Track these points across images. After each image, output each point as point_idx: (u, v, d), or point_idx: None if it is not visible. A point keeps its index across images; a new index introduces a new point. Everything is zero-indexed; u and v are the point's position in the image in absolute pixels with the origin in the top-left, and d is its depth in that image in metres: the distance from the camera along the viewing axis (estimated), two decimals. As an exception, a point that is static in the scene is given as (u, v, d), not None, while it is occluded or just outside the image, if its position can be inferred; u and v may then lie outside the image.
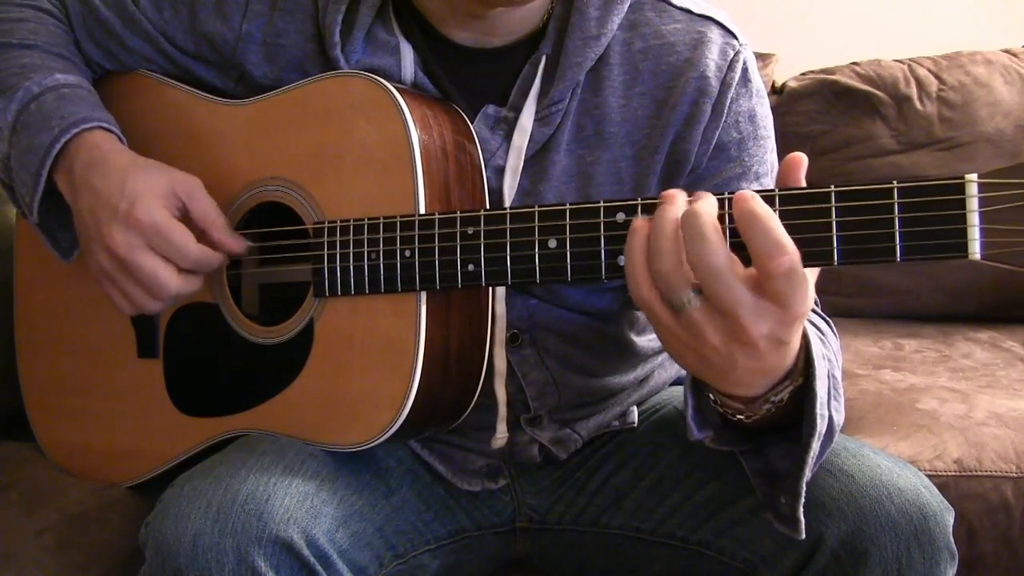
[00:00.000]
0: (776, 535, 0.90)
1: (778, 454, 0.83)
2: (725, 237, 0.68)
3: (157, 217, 0.91)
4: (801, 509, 0.78)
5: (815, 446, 0.78)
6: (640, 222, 0.71)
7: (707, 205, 0.69)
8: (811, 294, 0.69)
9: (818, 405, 0.77)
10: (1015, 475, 1.30)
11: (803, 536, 0.79)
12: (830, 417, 0.80)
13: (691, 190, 0.96)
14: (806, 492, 0.81)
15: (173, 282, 0.92)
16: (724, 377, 0.74)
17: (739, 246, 0.68)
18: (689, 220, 0.68)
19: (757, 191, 0.73)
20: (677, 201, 0.71)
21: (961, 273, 1.86)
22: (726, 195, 0.71)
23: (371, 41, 0.97)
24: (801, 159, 0.73)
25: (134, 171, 0.93)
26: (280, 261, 0.98)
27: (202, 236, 0.94)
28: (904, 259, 0.67)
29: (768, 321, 0.68)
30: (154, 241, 0.91)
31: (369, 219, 0.89)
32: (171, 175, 0.95)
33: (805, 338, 0.75)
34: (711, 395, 0.80)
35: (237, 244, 0.96)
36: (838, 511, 0.85)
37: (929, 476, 0.92)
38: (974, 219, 0.64)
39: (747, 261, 0.68)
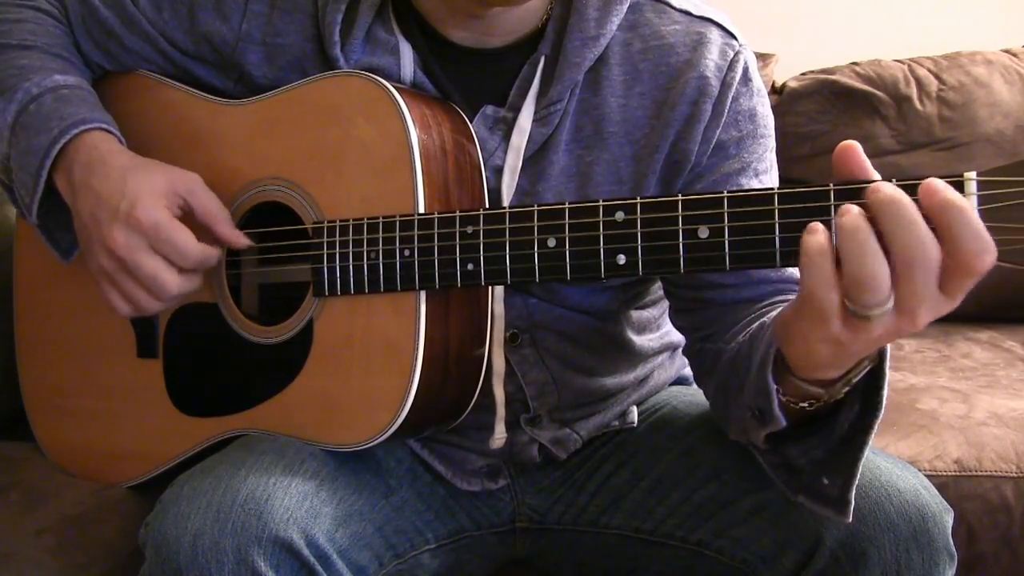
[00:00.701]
0: (776, 535, 0.90)
1: (796, 452, 0.82)
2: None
3: (158, 217, 0.91)
4: (853, 491, 0.77)
5: (877, 426, 0.76)
6: (818, 224, 0.64)
7: (898, 191, 0.62)
8: None
9: (886, 388, 0.75)
10: (1015, 475, 1.30)
11: (849, 519, 0.78)
12: None
13: (690, 187, 0.96)
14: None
15: (174, 282, 0.92)
16: (836, 366, 0.71)
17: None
18: (894, 210, 0.61)
19: (757, 190, 0.74)
20: (857, 206, 0.63)
21: (961, 273, 1.86)
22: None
23: (370, 41, 0.97)
24: (854, 147, 0.67)
25: (134, 171, 0.93)
26: (280, 261, 0.98)
27: (203, 233, 0.94)
28: (904, 258, 0.67)
29: (934, 314, 0.63)
30: (155, 242, 0.91)
31: (368, 219, 0.89)
32: (170, 173, 0.95)
33: None
34: (771, 377, 0.76)
35: (239, 239, 0.96)
36: (838, 512, 0.85)
37: (929, 476, 0.92)
38: (974, 218, 0.64)
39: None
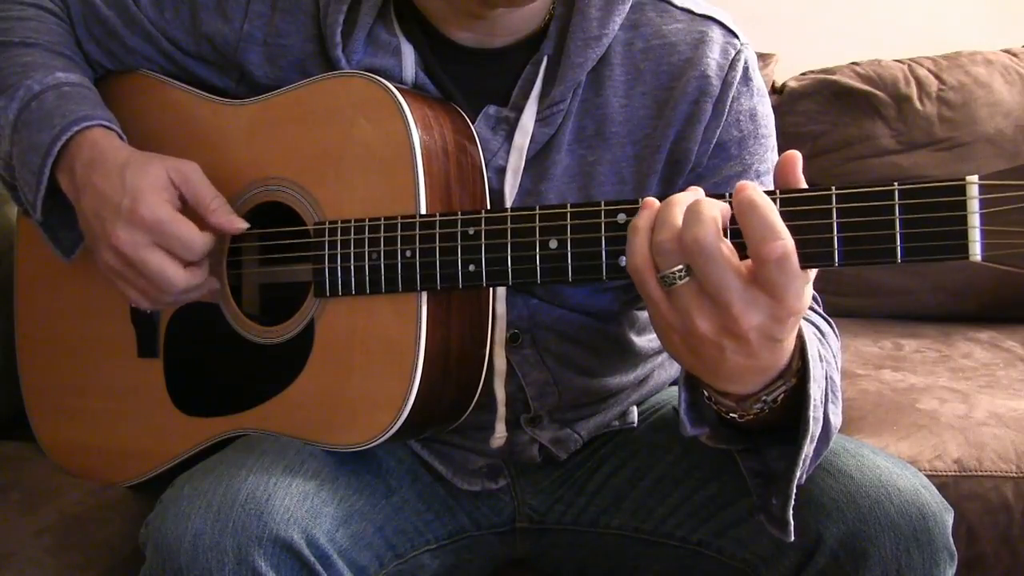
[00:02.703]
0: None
1: (774, 455, 0.82)
2: (725, 234, 0.68)
3: (160, 213, 0.91)
4: (791, 512, 0.78)
5: (807, 449, 0.77)
6: (652, 200, 0.72)
7: (712, 201, 0.69)
8: (808, 292, 0.68)
9: (811, 408, 0.76)
10: (1015, 475, 1.30)
11: (791, 539, 0.78)
12: (826, 420, 0.80)
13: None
14: (805, 492, 0.81)
15: (180, 276, 0.92)
16: (715, 371, 0.73)
17: (740, 246, 0.68)
18: (692, 205, 0.68)
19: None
20: (691, 194, 0.72)
21: (961, 273, 1.86)
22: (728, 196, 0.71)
23: (372, 41, 0.97)
24: (795, 157, 0.73)
25: (132, 167, 0.93)
26: (281, 261, 0.98)
27: (203, 222, 0.94)
28: (905, 260, 0.67)
29: (760, 313, 0.67)
30: (159, 237, 0.91)
31: (370, 219, 0.89)
32: (167, 164, 0.94)
33: (801, 339, 0.75)
34: (705, 392, 0.79)
35: (232, 224, 0.94)
36: (837, 511, 0.85)
37: (929, 476, 0.92)
38: (975, 220, 0.64)
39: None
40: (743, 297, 0.67)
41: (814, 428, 0.77)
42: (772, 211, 0.66)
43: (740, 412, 0.77)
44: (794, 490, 0.78)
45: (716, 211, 0.68)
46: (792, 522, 0.78)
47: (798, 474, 0.77)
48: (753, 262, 0.66)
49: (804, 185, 0.72)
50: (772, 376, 0.74)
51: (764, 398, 0.75)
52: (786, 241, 0.65)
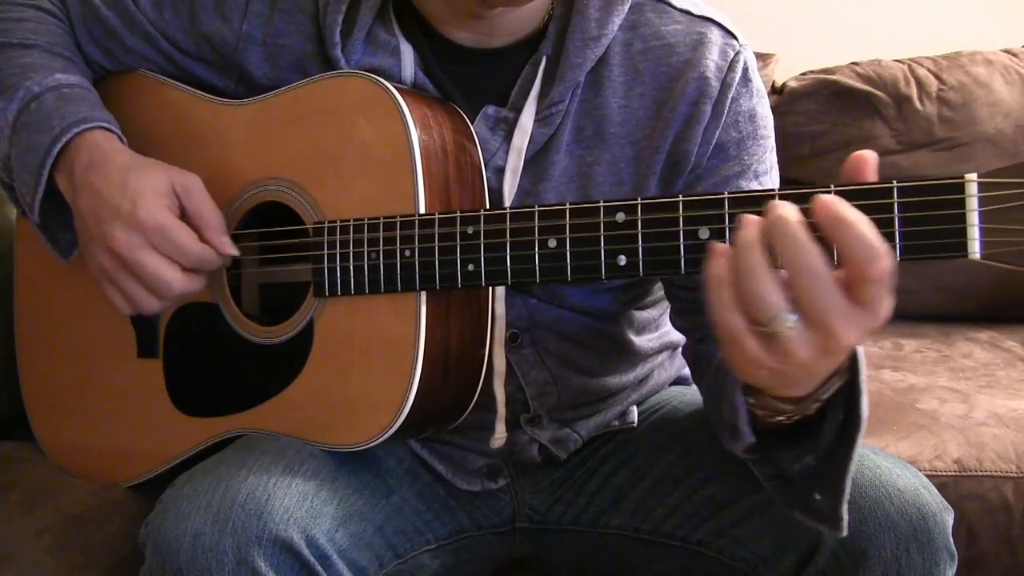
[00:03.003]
0: (776, 535, 0.90)
1: (786, 457, 0.82)
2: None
3: (160, 217, 0.91)
4: (844, 507, 0.77)
5: (860, 441, 0.76)
6: (720, 246, 0.66)
7: (789, 208, 0.63)
8: (891, 303, 0.65)
9: (863, 402, 0.75)
10: (1015, 475, 1.30)
11: (845, 533, 0.77)
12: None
13: (690, 189, 0.96)
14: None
15: (177, 281, 0.92)
16: (793, 386, 0.71)
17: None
18: (779, 226, 0.63)
19: (758, 191, 0.73)
20: (753, 220, 0.65)
21: (961, 273, 1.86)
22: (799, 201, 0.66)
23: (371, 41, 0.97)
24: (868, 156, 0.68)
25: (135, 170, 0.93)
26: (280, 261, 0.98)
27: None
28: (904, 259, 0.67)
29: (858, 329, 0.64)
30: (156, 241, 0.91)
31: (369, 219, 0.89)
32: (170, 173, 0.95)
33: None
34: (751, 399, 0.77)
35: (225, 248, 0.94)
36: (838, 511, 0.85)
37: (929, 476, 0.92)
38: (974, 219, 0.64)
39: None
40: (846, 317, 0.63)
41: (864, 422, 0.76)
42: (867, 225, 0.61)
43: (795, 414, 0.76)
44: (848, 485, 0.77)
45: (802, 221, 0.63)
46: (847, 516, 0.77)
47: (852, 468, 0.76)
48: (855, 281, 0.62)
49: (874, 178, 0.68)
50: (831, 374, 0.73)
51: (821, 396, 0.74)
52: (888, 257, 0.61)
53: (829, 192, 0.69)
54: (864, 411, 0.75)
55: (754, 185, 0.96)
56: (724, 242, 0.74)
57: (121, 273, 0.92)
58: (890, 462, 0.90)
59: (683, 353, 1.07)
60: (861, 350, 0.75)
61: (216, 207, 0.95)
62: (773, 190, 0.72)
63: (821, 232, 0.62)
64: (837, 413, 0.76)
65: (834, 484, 0.77)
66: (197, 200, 0.94)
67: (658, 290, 1.08)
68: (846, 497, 0.77)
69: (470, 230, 0.85)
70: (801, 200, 0.70)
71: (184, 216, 0.94)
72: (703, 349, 0.96)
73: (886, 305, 0.63)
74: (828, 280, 0.62)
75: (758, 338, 0.65)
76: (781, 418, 0.77)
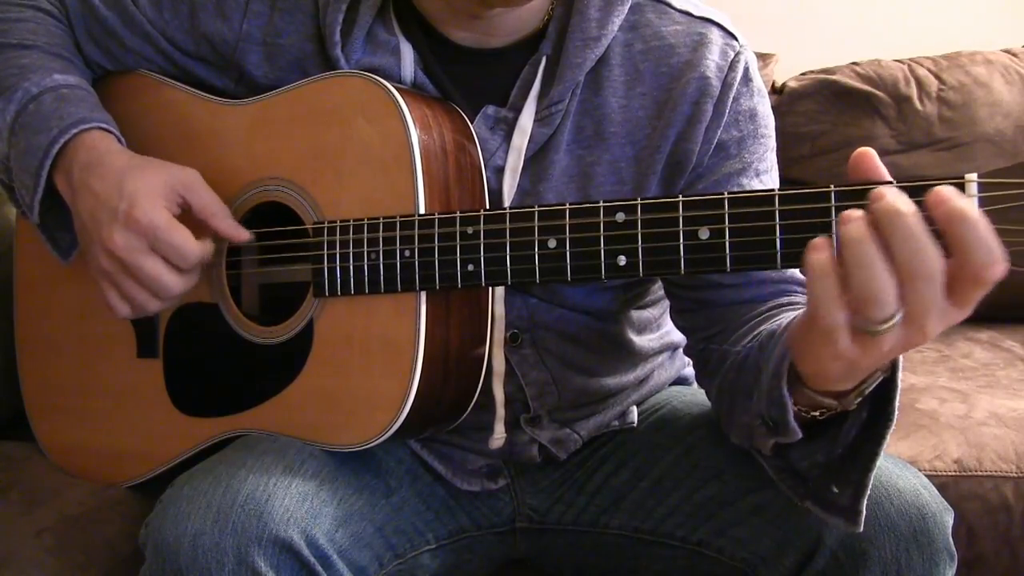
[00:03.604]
0: (776, 535, 0.90)
1: (797, 455, 0.82)
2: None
3: (156, 218, 0.91)
4: (864, 501, 0.77)
5: (889, 437, 0.76)
6: (822, 239, 0.62)
7: (903, 201, 0.60)
8: None
9: (898, 398, 0.75)
10: (1015, 475, 1.30)
11: (861, 528, 0.77)
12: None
13: (691, 187, 0.96)
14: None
15: (175, 282, 0.92)
16: (853, 380, 0.70)
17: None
18: (895, 220, 0.59)
19: (758, 191, 0.73)
20: (860, 214, 0.61)
21: (961, 273, 1.86)
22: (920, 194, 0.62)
23: (371, 41, 0.97)
24: (868, 153, 0.67)
25: (132, 171, 0.93)
26: (280, 261, 0.98)
27: (203, 230, 0.94)
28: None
29: (943, 324, 0.62)
30: (154, 242, 0.91)
31: (369, 219, 0.89)
32: (168, 171, 0.95)
33: None
34: (786, 390, 0.75)
35: (239, 234, 0.96)
36: (838, 512, 0.85)
37: (929, 476, 0.92)
38: (974, 219, 0.64)
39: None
40: (941, 315, 0.61)
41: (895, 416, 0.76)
42: (989, 228, 0.58)
43: (840, 407, 0.75)
44: (871, 480, 0.76)
45: (922, 225, 0.59)
46: (864, 512, 0.77)
47: (877, 464, 0.76)
48: (965, 282, 0.59)
49: (886, 176, 0.67)
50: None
51: (865, 390, 0.73)
52: (1004, 261, 0.59)
53: (829, 192, 0.69)
54: (896, 408, 0.75)
55: (755, 183, 0.96)
56: (724, 242, 0.74)
57: (120, 275, 0.92)
58: (890, 462, 0.90)
59: (686, 352, 1.07)
60: None
61: (218, 197, 0.95)
62: (773, 190, 0.72)
63: (937, 227, 0.59)
64: (861, 410, 0.76)
65: (856, 478, 0.77)
66: (200, 193, 0.95)
67: (658, 289, 1.08)
68: (867, 492, 0.77)
69: (470, 230, 0.85)
70: (802, 200, 0.70)
71: (188, 212, 0.94)
72: (713, 348, 0.96)
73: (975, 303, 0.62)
74: (941, 283, 0.60)
75: (854, 335, 0.63)
76: (815, 413, 0.77)
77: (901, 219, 0.59)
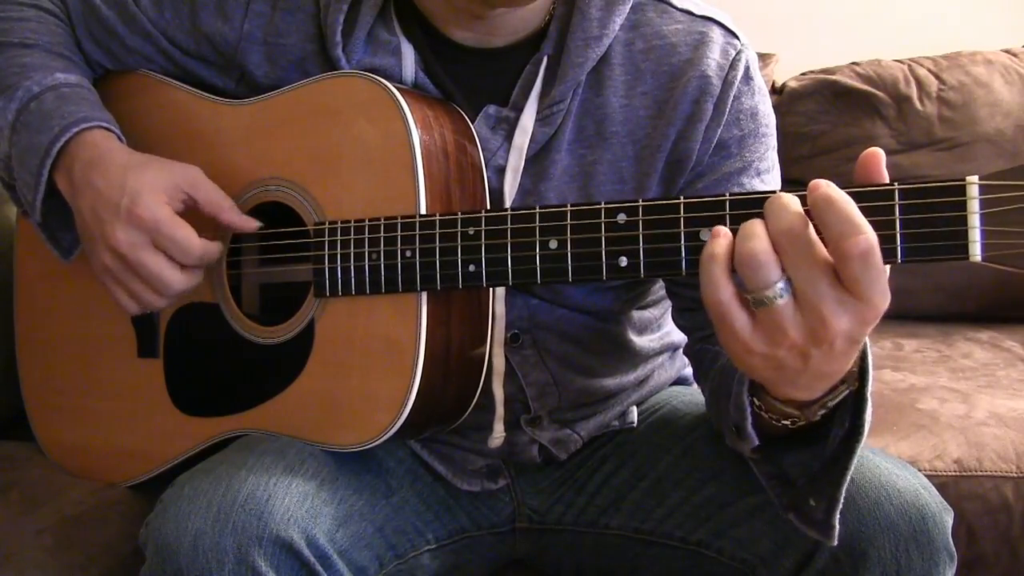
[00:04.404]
0: (775, 536, 0.90)
1: (791, 461, 0.82)
2: None
3: (159, 214, 0.91)
4: (837, 516, 0.77)
5: (859, 452, 0.76)
6: (722, 229, 0.69)
7: (788, 196, 0.66)
8: (887, 294, 0.65)
9: (868, 412, 0.75)
10: (1015, 475, 1.30)
11: (836, 542, 0.77)
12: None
13: (692, 186, 0.96)
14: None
15: (178, 279, 0.92)
16: (792, 382, 0.71)
17: None
18: (769, 203, 0.66)
19: (759, 193, 0.73)
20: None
21: (961, 273, 1.86)
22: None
23: (372, 41, 0.97)
24: (878, 154, 0.69)
25: (134, 168, 0.93)
26: (281, 261, 0.98)
27: (206, 227, 0.94)
28: (905, 260, 0.67)
29: (848, 316, 0.64)
30: (157, 238, 0.91)
31: (370, 220, 0.89)
32: (171, 169, 0.95)
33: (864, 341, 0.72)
34: (756, 401, 0.77)
35: (248, 224, 0.96)
36: (838, 512, 0.85)
37: (929, 476, 0.92)
38: (975, 221, 0.64)
39: None
40: (834, 299, 0.64)
41: (866, 431, 0.76)
42: (850, 205, 0.63)
43: (801, 419, 0.76)
44: (843, 494, 0.76)
45: (797, 203, 0.65)
46: (838, 526, 0.77)
47: (848, 478, 0.76)
48: (836, 261, 0.63)
49: (885, 179, 0.69)
50: (839, 380, 0.73)
51: (829, 403, 0.74)
52: (868, 235, 0.62)
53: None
54: (867, 422, 0.75)
55: (756, 182, 0.96)
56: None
57: (124, 272, 0.92)
58: (890, 463, 0.90)
59: (685, 352, 1.07)
60: (871, 361, 0.74)
61: (223, 192, 0.96)
62: (774, 192, 0.71)
63: (812, 216, 0.64)
64: (844, 422, 0.76)
65: (829, 492, 0.77)
66: (205, 189, 0.95)
67: (659, 290, 1.08)
68: (839, 506, 0.77)
69: (471, 231, 0.85)
70: (803, 202, 0.70)
71: (191, 211, 0.94)
72: (706, 348, 0.96)
73: (877, 291, 0.63)
74: (817, 254, 0.63)
75: (746, 308, 0.67)
76: (786, 422, 0.77)
77: (778, 199, 0.65)
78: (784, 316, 0.65)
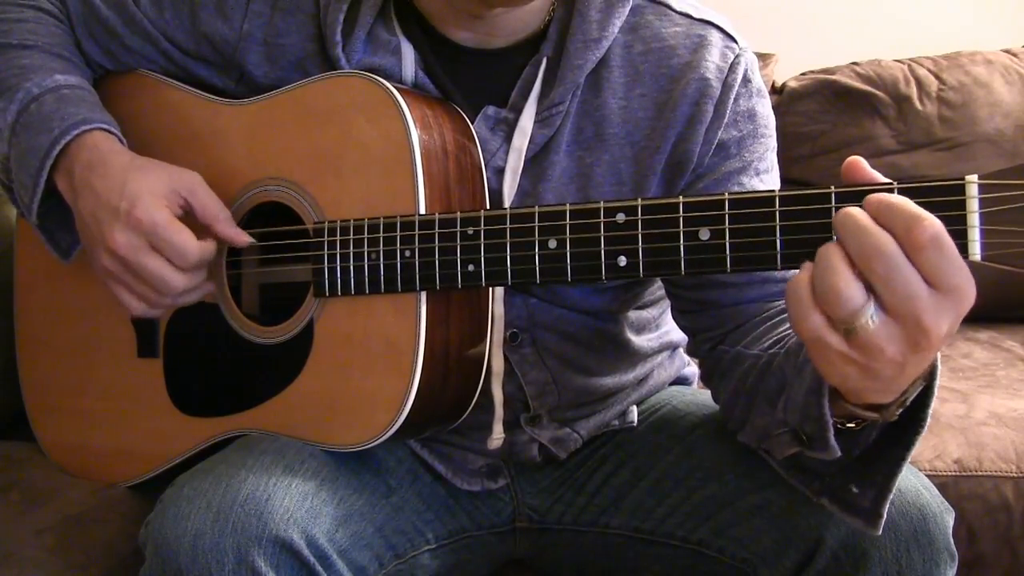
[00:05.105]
0: (776, 535, 0.90)
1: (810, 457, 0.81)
2: None
3: (157, 217, 0.91)
4: (886, 505, 0.76)
5: (919, 444, 0.76)
6: (808, 263, 0.66)
7: (852, 207, 0.64)
8: (972, 279, 0.63)
9: (932, 403, 0.74)
10: (1015, 475, 1.30)
11: (880, 532, 0.77)
12: None
13: (692, 187, 0.97)
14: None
15: (179, 280, 0.92)
16: (883, 389, 0.69)
17: None
18: (841, 219, 0.64)
19: (759, 192, 0.73)
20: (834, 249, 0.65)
21: (961, 273, 1.86)
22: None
23: (372, 41, 0.97)
24: (857, 162, 0.69)
25: (134, 171, 0.93)
26: (280, 261, 0.98)
27: (204, 232, 0.94)
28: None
29: (945, 315, 0.62)
30: (155, 241, 0.91)
31: (369, 219, 0.89)
32: (170, 173, 0.95)
33: None
34: (827, 408, 0.75)
35: (240, 238, 0.96)
36: (838, 512, 0.85)
37: (929, 476, 0.92)
38: (975, 220, 0.64)
39: None
40: (931, 306, 0.62)
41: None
42: (908, 201, 0.62)
43: (881, 419, 0.74)
44: (895, 484, 0.76)
45: (867, 218, 0.63)
46: (885, 516, 0.77)
47: (903, 469, 0.76)
48: (911, 257, 0.62)
49: (881, 180, 0.68)
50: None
51: (905, 401, 0.73)
52: (933, 220, 0.61)
53: (830, 193, 0.69)
54: (930, 413, 0.74)
55: (755, 182, 0.96)
56: (724, 242, 0.74)
57: (125, 275, 0.93)
58: (890, 463, 0.89)
59: (690, 352, 1.06)
60: (938, 353, 0.72)
61: (221, 202, 0.95)
62: (773, 191, 0.72)
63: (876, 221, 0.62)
64: (925, 415, 0.75)
65: (881, 481, 0.77)
66: (202, 197, 0.95)
67: (657, 289, 1.08)
68: (890, 495, 0.77)
69: (470, 231, 0.85)
70: (802, 201, 0.70)
71: (190, 214, 0.94)
72: (726, 350, 0.95)
73: (962, 277, 0.62)
74: (902, 262, 0.62)
75: (839, 334, 0.64)
76: (850, 424, 0.76)
77: (848, 216, 0.63)
78: (880, 336, 0.63)
